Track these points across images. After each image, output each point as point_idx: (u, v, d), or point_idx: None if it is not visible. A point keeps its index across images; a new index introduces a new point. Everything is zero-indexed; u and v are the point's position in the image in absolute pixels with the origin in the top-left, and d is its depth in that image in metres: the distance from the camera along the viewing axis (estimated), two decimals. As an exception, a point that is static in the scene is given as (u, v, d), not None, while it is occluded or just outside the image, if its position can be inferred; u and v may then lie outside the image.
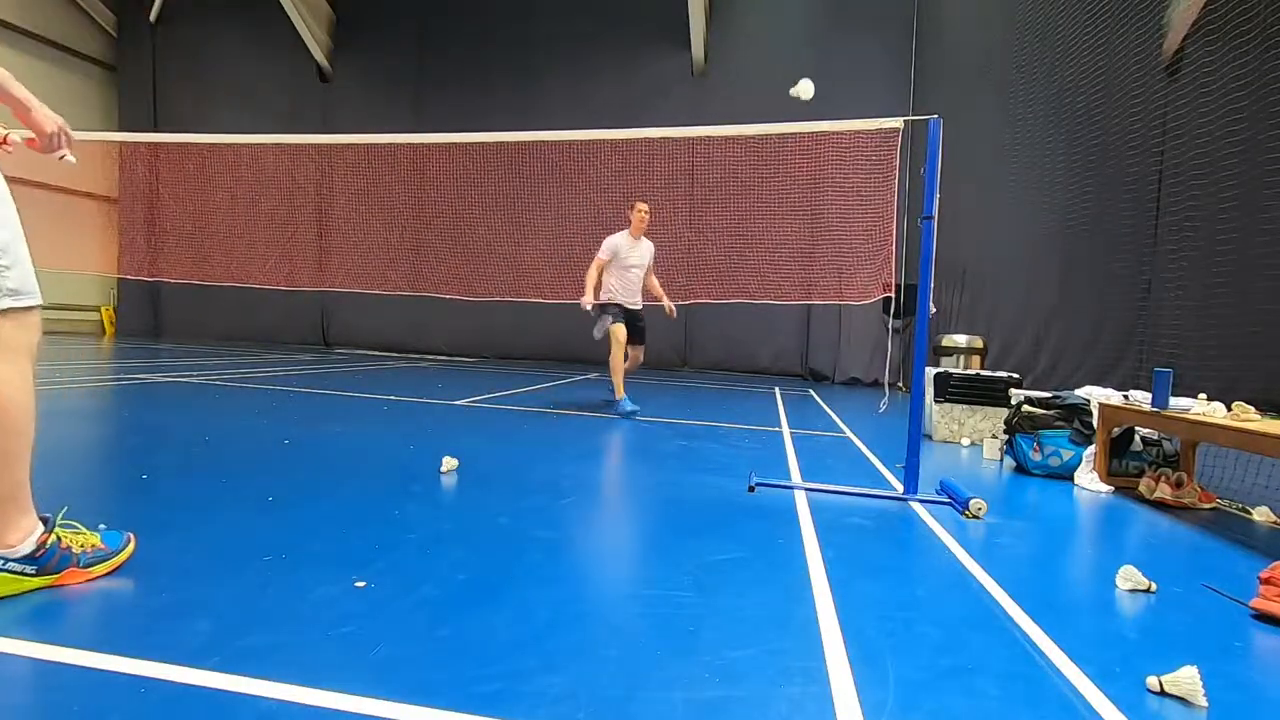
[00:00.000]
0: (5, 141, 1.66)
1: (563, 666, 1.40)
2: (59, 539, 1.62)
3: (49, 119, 1.63)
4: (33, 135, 1.64)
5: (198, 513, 2.31)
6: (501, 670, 1.37)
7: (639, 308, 5.83)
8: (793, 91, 1.80)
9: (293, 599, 1.65)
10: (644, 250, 5.80)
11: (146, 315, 14.94)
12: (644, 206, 5.71)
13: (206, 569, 1.82)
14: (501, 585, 1.82)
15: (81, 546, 1.66)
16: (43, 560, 1.57)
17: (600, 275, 5.67)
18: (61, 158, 1.69)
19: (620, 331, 5.55)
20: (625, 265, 5.69)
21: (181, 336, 14.30)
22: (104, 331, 15.12)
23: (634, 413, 5.41)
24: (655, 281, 6.00)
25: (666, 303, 5.93)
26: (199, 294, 13.45)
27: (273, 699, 1.22)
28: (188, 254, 12.95)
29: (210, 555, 1.91)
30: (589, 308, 5.61)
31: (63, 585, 1.62)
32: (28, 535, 1.55)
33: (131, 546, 1.79)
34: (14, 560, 1.53)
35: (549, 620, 1.62)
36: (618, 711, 1.25)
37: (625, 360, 5.66)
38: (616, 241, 5.67)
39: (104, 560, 1.70)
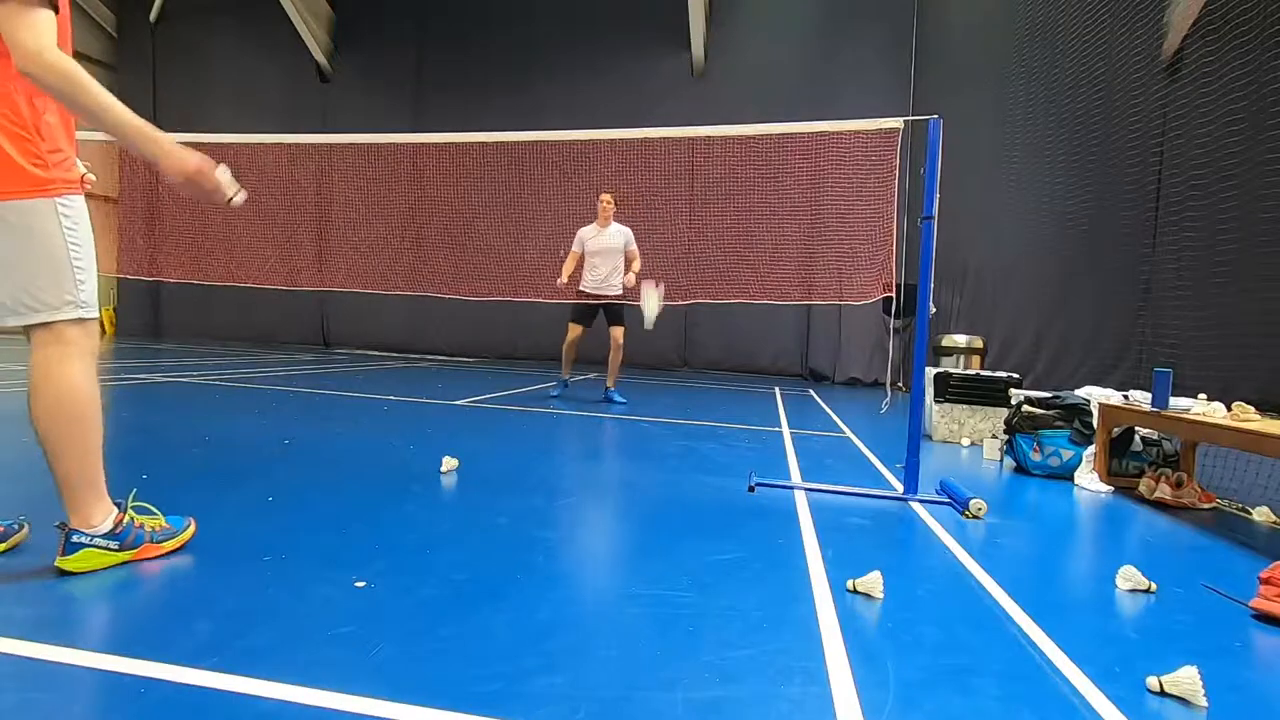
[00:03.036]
0: (83, 181, 1.80)
1: (563, 666, 1.40)
2: (132, 519, 1.80)
3: (180, 164, 1.64)
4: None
5: (198, 513, 2.30)
6: (501, 670, 1.37)
7: (614, 294, 6.17)
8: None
9: (293, 599, 1.65)
10: (610, 237, 6.15)
11: (146, 315, 14.93)
12: (605, 197, 6.19)
13: (206, 569, 1.82)
14: (501, 585, 1.82)
15: (152, 527, 1.85)
16: (121, 537, 1.75)
17: (574, 265, 6.17)
18: (229, 201, 1.78)
19: (573, 329, 6.21)
20: (590, 252, 6.16)
21: (181, 336, 14.29)
22: (103, 331, 15.12)
23: (555, 397, 6.31)
24: (635, 264, 6.20)
25: (630, 276, 6.12)
26: (199, 294, 13.43)
27: (273, 699, 1.22)
28: (187, 254, 12.93)
29: (210, 555, 1.91)
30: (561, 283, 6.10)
31: (140, 560, 1.79)
32: (107, 516, 1.73)
33: (193, 528, 1.96)
34: (99, 537, 1.71)
35: (549, 620, 1.62)
36: (618, 711, 1.25)
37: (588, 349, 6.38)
38: (582, 233, 6.20)
39: (172, 537, 1.89)
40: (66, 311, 1.65)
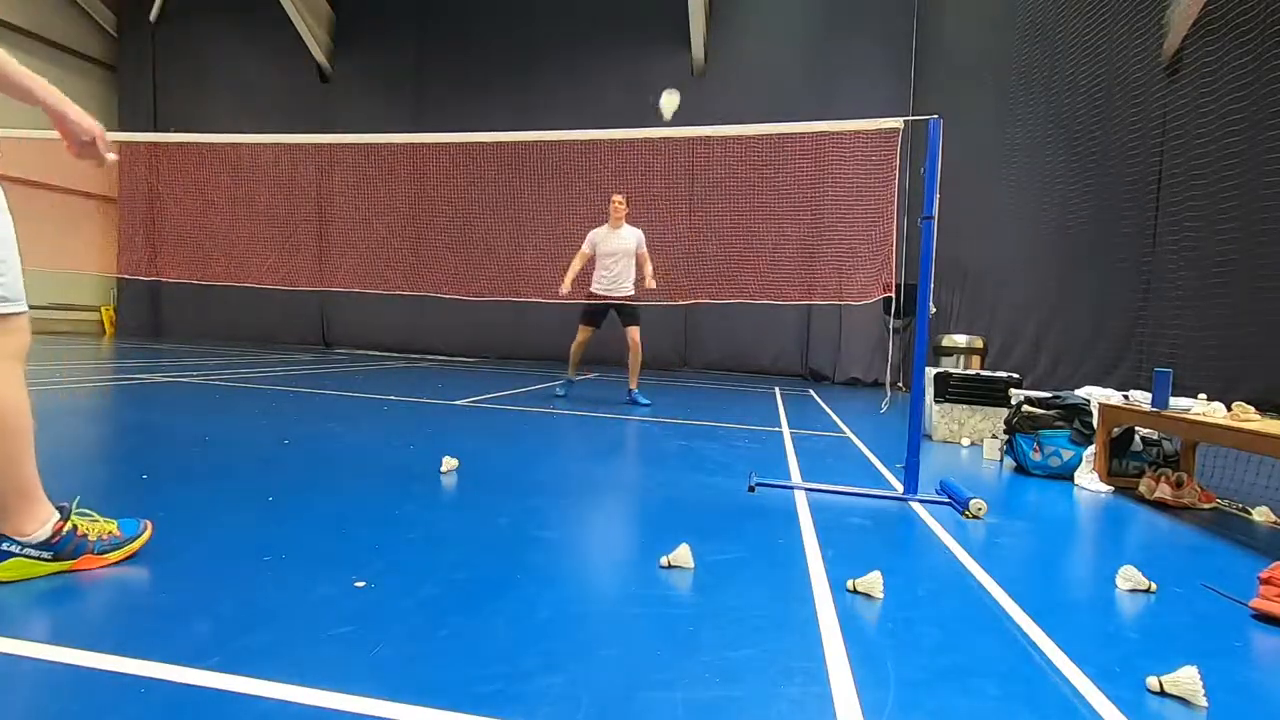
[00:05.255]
0: None
1: (563, 666, 1.40)
2: (75, 527, 1.70)
3: (83, 128, 1.59)
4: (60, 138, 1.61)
5: (197, 513, 2.31)
6: (501, 670, 1.37)
7: (626, 294, 6.17)
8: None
9: (293, 599, 1.65)
10: (623, 239, 6.14)
11: (146, 315, 14.94)
12: (617, 198, 6.13)
13: (206, 569, 1.82)
14: (501, 585, 1.82)
15: (98, 534, 1.74)
16: (59, 546, 1.66)
17: (581, 265, 6.23)
18: (100, 164, 1.69)
19: (581, 332, 6.27)
20: (603, 254, 6.13)
21: (181, 336, 14.30)
22: (104, 331, 15.12)
23: (560, 396, 6.34)
24: (648, 268, 6.19)
25: (649, 280, 6.15)
26: (199, 294, 13.44)
27: (273, 699, 1.22)
28: (187, 254, 12.93)
29: (210, 555, 1.91)
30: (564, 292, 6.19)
31: (79, 571, 1.70)
32: (44, 524, 1.64)
33: (148, 533, 1.86)
34: (30, 546, 1.62)
35: (549, 620, 1.62)
36: (618, 711, 1.25)
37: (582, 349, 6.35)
38: (594, 234, 6.20)
39: (119, 547, 1.78)
40: None
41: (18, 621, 1.46)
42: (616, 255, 6.09)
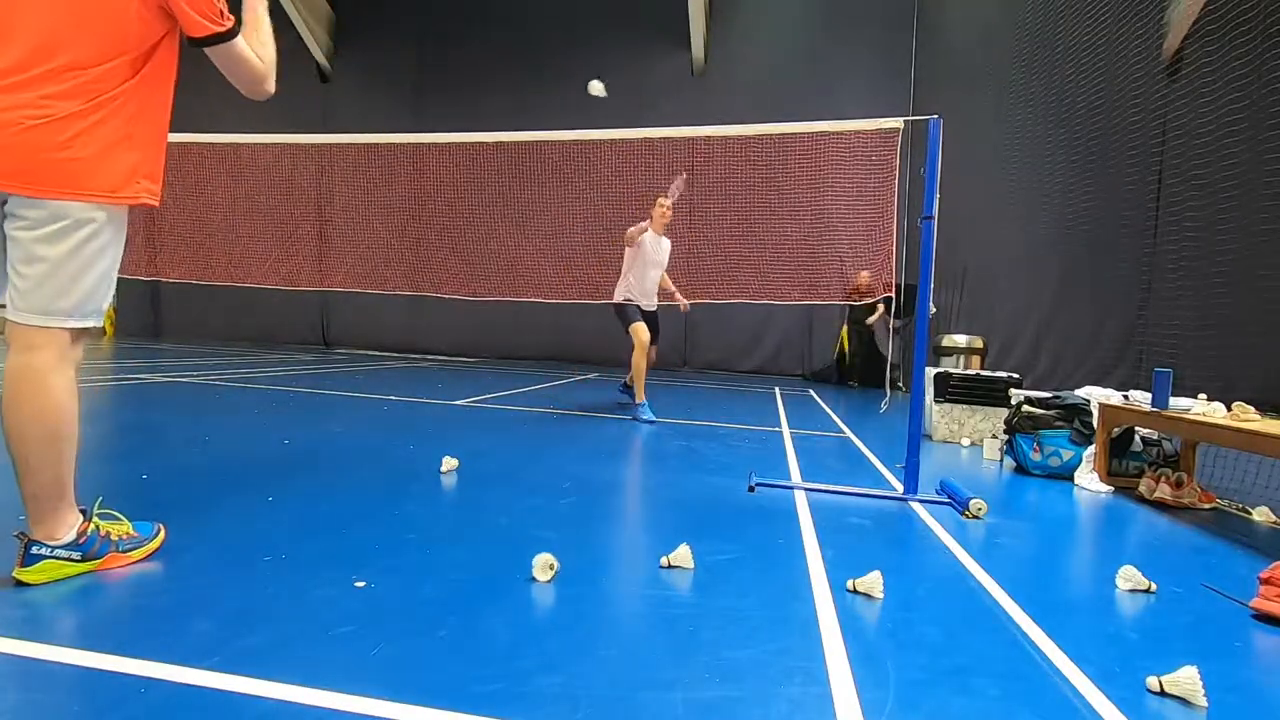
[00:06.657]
0: None
1: (562, 666, 1.40)
2: (97, 528, 1.74)
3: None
4: None
5: (197, 513, 2.31)
6: (501, 670, 1.37)
7: (654, 308, 5.84)
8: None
9: (293, 599, 1.65)
10: (664, 250, 5.84)
11: (146, 315, 14.92)
12: (665, 202, 5.68)
13: (206, 569, 1.82)
14: (501, 585, 1.82)
15: (119, 534, 1.80)
16: (85, 547, 1.70)
17: (628, 254, 5.62)
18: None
19: (642, 331, 5.43)
20: (647, 262, 5.65)
21: (181, 336, 14.29)
22: (104, 332, 15.12)
23: (652, 423, 5.13)
24: (668, 280, 6.03)
25: (680, 299, 5.94)
26: (199, 294, 13.43)
27: (273, 699, 1.22)
28: (187, 253, 12.92)
29: (210, 555, 1.91)
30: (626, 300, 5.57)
31: (105, 569, 1.74)
32: (71, 526, 1.68)
33: (163, 535, 1.91)
34: (60, 548, 1.66)
35: (549, 620, 1.62)
36: (617, 711, 1.25)
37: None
38: (646, 236, 5.58)
39: (139, 546, 1.83)
40: (93, 319, 1.66)
41: (17, 622, 1.46)
42: (658, 265, 5.75)
